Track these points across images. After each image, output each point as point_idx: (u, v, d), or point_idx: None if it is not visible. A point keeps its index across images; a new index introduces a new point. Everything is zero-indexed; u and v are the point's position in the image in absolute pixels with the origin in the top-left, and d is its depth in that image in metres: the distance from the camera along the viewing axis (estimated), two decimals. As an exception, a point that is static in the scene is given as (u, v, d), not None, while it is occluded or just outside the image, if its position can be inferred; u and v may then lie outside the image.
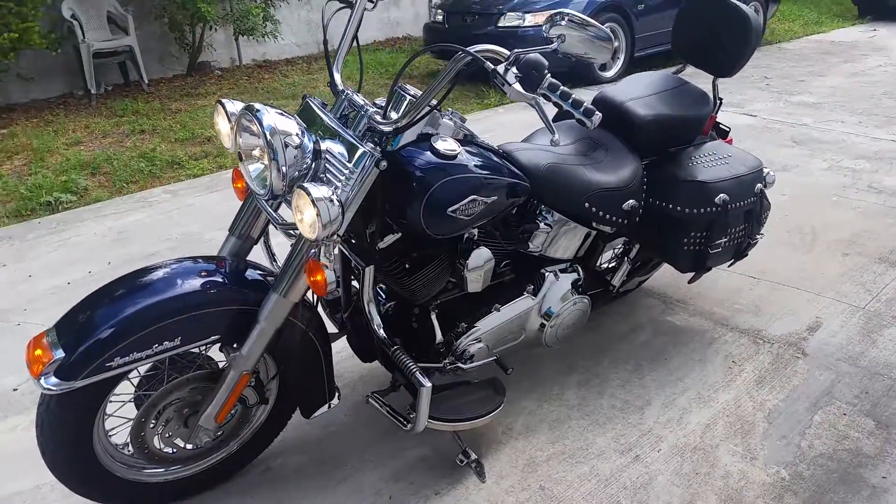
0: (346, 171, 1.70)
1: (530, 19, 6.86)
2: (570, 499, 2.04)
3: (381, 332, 1.94)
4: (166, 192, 4.47)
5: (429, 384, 1.88)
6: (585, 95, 2.67)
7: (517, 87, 1.57)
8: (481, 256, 2.06)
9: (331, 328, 2.22)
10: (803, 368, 2.58)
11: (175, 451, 1.91)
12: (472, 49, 1.62)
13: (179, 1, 6.86)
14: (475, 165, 1.89)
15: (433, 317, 2.16)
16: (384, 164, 1.70)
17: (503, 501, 2.03)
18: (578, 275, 2.42)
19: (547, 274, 2.34)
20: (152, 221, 3.99)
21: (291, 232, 1.83)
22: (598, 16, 7.04)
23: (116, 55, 7.03)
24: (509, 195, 2.00)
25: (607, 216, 2.28)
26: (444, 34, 7.50)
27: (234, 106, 1.82)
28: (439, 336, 2.17)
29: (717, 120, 2.75)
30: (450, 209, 1.82)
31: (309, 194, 1.55)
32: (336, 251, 1.98)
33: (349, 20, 1.96)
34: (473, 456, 2.14)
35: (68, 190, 4.37)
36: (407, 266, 2.03)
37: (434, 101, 1.72)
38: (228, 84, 7.42)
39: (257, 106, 1.67)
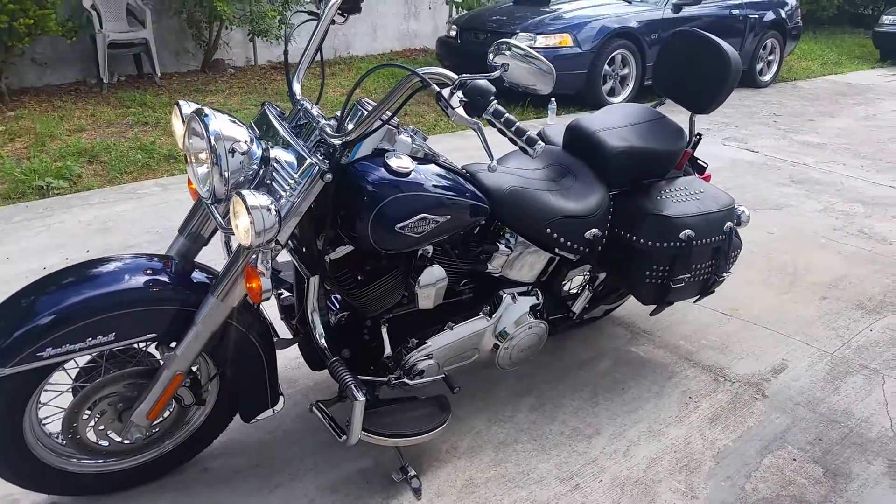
0: (292, 181, 1.72)
1: (542, 41, 6.89)
2: (503, 523, 2.03)
3: (322, 342, 1.95)
4: (158, 185, 4.51)
5: (362, 398, 1.88)
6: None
7: (460, 111, 1.58)
8: (433, 275, 2.06)
9: (285, 333, 2.23)
10: (760, 410, 2.56)
11: (108, 444, 1.92)
12: (421, 71, 1.63)
13: (197, -2, 6.96)
14: (430, 184, 1.90)
15: (383, 330, 2.17)
16: (329, 176, 1.71)
17: (435, 520, 2.03)
18: (538, 298, 2.41)
19: (504, 295, 2.34)
20: (139, 213, 4.02)
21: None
22: (610, 42, 7.07)
23: (132, 47, 7.12)
24: (465, 216, 2.00)
25: (568, 243, 2.28)
26: (455, 50, 7.54)
27: (190, 108, 1.84)
28: (388, 349, 2.18)
29: (696, 155, 2.75)
30: (398, 225, 1.83)
31: (245, 201, 1.57)
32: (284, 259, 1.98)
33: (314, 32, 1.98)
34: (412, 472, 2.13)
35: (62, 176, 4.43)
36: (359, 278, 2.04)
37: (385, 117, 1.73)
38: (239, 83, 7.50)
39: (206, 111, 1.68)
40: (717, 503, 2.12)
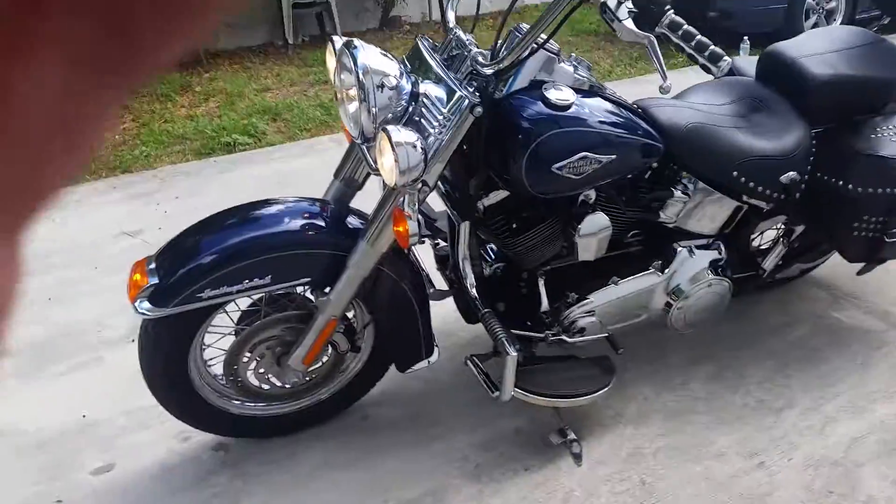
0: (441, 117, 1.60)
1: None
2: (673, 498, 1.83)
3: (474, 292, 1.84)
4: (332, 140, 4.62)
5: (514, 353, 1.75)
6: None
7: (629, 24, 1.37)
8: (596, 223, 1.87)
9: (441, 285, 2.15)
10: None
11: (268, 387, 1.95)
12: (584, -21, 1.43)
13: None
14: (594, 120, 1.71)
15: (541, 283, 2.02)
16: (479, 110, 1.57)
17: (597, 490, 1.87)
18: (720, 253, 2.14)
19: (679, 249, 2.09)
20: (312, 167, 4.13)
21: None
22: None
23: (314, 6, 7.35)
24: (634, 156, 1.79)
25: (760, 189, 1.99)
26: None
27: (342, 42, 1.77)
28: (545, 304, 2.02)
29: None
30: (555, 166, 1.66)
31: (389, 137, 1.47)
32: (441, 209, 1.88)
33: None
34: (572, 436, 1.98)
35: (247, 133, 4.65)
36: (514, 226, 1.90)
37: (541, 39, 1.55)
38: (412, 40, 7.52)
39: (357, 43, 1.60)
40: (939, 499, 1.78)
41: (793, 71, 2.09)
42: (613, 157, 1.73)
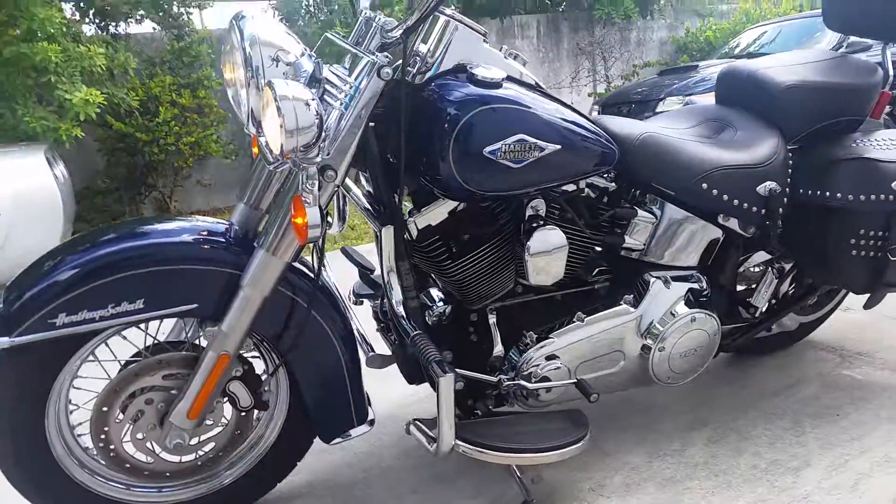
0: (345, 87, 1.36)
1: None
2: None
3: (400, 309, 1.50)
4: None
5: (449, 375, 1.38)
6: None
7: None
8: (548, 239, 1.59)
9: (384, 349, 1.80)
10: None
11: (152, 460, 1.54)
12: None
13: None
14: (530, 101, 1.47)
15: (492, 321, 1.69)
16: (387, 71, 1.34)
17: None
18: (701, 284, 1.83)
19: (653, 280, 1.78)
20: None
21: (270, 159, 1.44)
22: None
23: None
24: (583, 154, 1.55)
25: (736, 202, 1.73)
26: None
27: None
28: (498, 347, 1.68)
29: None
30: (488, 149, 1.40)
31: (274, 91, 1.21)
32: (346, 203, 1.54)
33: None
34: (540, 511, 1.56)
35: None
36: (453, 249, 1.60)
37: None
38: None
39: (246, 12, 1.39)
40: None
41: (754, 82, 1.91)
42: (558, 147, 1.48)
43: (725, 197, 1.72)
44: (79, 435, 1.52)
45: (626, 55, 8.89)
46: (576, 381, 1.68)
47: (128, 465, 1.53)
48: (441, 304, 1.73)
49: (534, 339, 1.68)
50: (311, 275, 1.51)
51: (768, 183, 1.75)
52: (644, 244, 1.79)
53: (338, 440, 1.64)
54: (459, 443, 1.48)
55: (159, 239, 1.44)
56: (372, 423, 1.66)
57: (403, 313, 1.50)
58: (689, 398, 2.05)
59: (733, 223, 1.81)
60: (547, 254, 1.59)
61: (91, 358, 1.46)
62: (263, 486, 1.70)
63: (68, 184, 4.34)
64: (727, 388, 2.11)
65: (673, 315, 1.76)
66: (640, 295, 1.77)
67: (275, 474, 1.69)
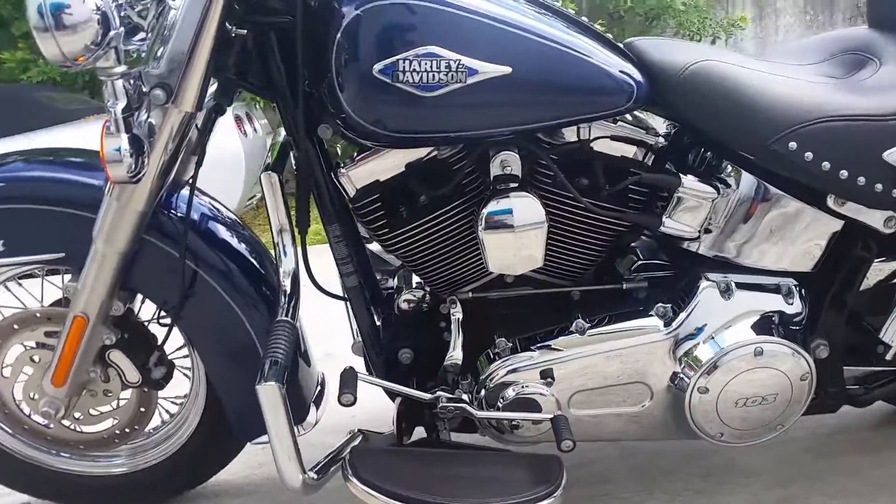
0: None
1: None
2: None
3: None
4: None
5: (272, 383, 0.99)
6: None
7: None
8: (515, 208, 1.10)
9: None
10: None
11: (46, 423, 1.35)
12: None
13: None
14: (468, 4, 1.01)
15: (453, 316, 1.24)
16: None
17: None
18: (789, 298, 1.20)
19: (705, 280, 1.20)
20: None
21: None
22: None
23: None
24: (557, 84, 1.05)
25: (843, 174, 1.10)
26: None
27: None
28: (456, 352, 1.22)
29: None
30: (378, 66, 0.97)
31: None
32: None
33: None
34: None
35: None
36: (392, 215, 1.19)
37: None
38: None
39: None
40: None
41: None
42: (507, 69, 1.00)
43: (826, 165, 1.09)
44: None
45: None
46: (552, 415, 1.17)
47: (26, 427, 1.37)
48: (417, 287, 1.33)
49: (506, 347, 1.21)
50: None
51: (904, 147, 1.08)
52: (698, 230, 1.20)
53: (261, 440, 1.31)
54: (353, 478, 1.09)
55: (33, 173, 1.24)
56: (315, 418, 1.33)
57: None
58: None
59: (859, 211, 1.16)
60: (508, 230, 1.11)
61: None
62: (190, 478, 1.45)
63: (259, 140, 4.25)
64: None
65: (730, 340, 1.17)
66: (680, 302, 1.21)
67: (201, 467, 1.43)
